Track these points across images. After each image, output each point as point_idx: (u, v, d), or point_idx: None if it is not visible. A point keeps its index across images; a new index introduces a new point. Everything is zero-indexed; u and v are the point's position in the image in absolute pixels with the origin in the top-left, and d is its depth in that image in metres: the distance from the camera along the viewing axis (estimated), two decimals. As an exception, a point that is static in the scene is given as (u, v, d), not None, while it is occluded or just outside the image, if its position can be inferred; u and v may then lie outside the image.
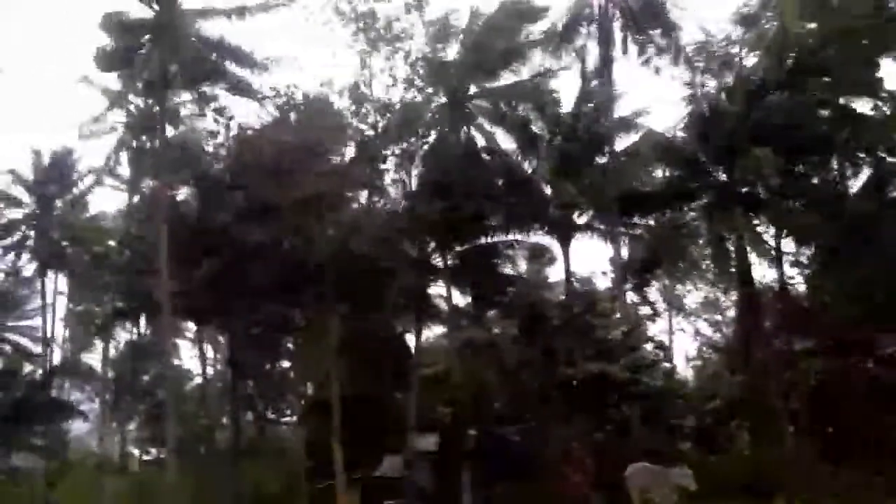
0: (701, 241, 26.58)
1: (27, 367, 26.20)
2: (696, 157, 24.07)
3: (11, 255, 31.87)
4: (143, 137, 24.47)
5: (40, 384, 25.39)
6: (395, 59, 22.88)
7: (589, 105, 24.88)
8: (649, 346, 25.15)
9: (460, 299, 28.15)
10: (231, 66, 22.91)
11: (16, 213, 32.48)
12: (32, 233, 31.21)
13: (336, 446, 22.20)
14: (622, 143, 25.49)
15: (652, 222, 25.88)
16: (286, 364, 33.82)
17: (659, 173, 25.87)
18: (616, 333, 22.94)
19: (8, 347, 25.47)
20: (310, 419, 28.37)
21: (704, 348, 37.53)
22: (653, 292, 33.59)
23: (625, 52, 26.36)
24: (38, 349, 28.72)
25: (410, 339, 28.23)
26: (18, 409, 24.22)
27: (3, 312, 25.22)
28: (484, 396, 23.08)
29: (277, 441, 36.32)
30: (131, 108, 27.81)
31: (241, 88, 23.04)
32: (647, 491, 15.45)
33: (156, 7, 22.30)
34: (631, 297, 27.16)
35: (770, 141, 21.23)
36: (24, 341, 28.79)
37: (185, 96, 23.93)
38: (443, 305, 26.78)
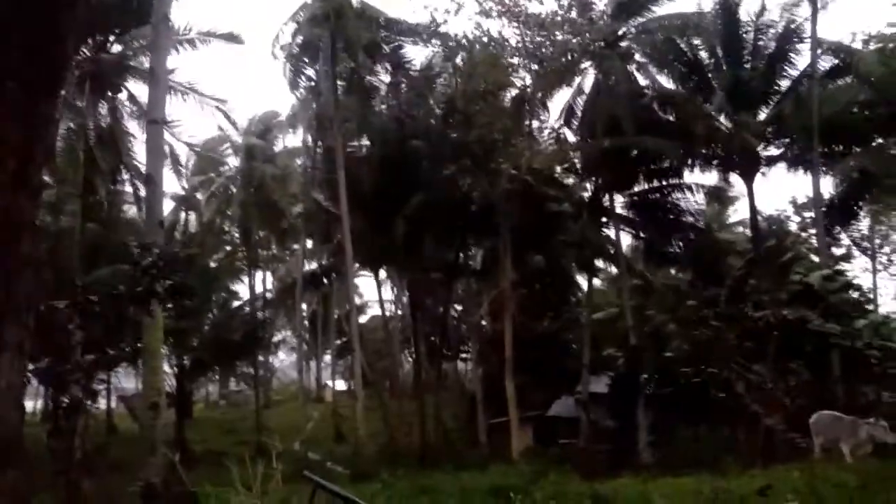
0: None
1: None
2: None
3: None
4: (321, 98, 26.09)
5: (259, 322, 28.32)
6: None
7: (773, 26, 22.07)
8: (852, 291, 22.52)
9: (633, 241, 27.31)
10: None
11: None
12: (234, 189, 34.41)
13: (510, 384, 22.73)
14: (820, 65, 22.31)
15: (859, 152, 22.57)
16: (461, 306, 35.03)
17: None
18: (814, 276, 20.80)
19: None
20: (485, 358, 29.31)
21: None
22: (857, 231, 30.10)
23: None
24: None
25: (583, 281, 27.96)
26: (240, 344, 27.30)
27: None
28: (658, 339, 22.28)
29: (455, 378, 38.09)
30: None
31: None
32: (833, 441, 13.99)
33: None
34: (831, 236, 24.40)
35: None
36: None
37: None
38: (615, 247, 26.12)
